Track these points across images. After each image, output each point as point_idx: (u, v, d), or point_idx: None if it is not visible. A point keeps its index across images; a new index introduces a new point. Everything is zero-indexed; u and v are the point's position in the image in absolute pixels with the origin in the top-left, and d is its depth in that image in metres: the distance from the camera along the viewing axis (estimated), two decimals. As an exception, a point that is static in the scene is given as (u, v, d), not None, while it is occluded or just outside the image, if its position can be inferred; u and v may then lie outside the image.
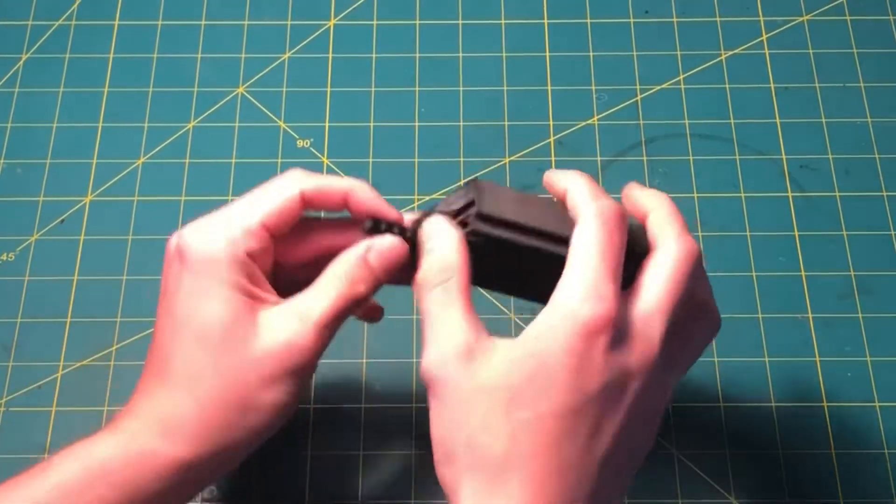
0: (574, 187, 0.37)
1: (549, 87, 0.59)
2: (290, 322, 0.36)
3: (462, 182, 0.56)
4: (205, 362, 0.36)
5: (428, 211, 0.38)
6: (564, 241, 0.35)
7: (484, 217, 0.36)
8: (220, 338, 0.36)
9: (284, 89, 0.59)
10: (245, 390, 0.35)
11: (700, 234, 0.54)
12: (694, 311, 0.37)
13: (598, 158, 0.57)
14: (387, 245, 0.38)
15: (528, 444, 0.32)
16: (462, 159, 0.56)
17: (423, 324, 0.36)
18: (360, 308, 0.39)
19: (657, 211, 0.37)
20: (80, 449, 0.36)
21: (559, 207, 0.37)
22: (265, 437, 0.37)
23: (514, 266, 0.37)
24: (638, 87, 0.59)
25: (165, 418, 0.36)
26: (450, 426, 0.34)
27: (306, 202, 0.38)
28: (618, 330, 0.33)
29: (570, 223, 0.36)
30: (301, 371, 0.36)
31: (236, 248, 0.36)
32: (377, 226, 0.38)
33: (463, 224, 0.37)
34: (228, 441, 0.36)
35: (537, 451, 0.32)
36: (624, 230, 0.35)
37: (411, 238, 0.38)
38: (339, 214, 0.40)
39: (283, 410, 0.36)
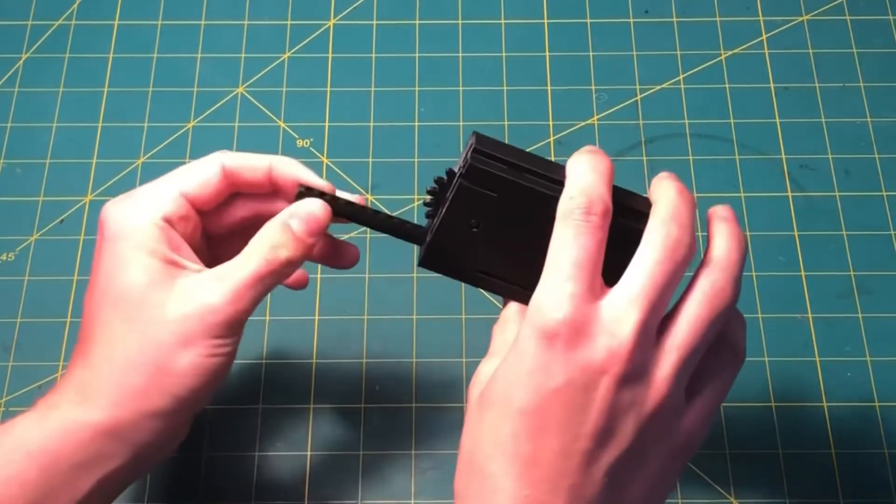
0: (663, 202, 0.35)
1: (549, 87, 0.59)
2: (207, 284, 0.37)
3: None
4: (121, 327, 0.36)
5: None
6: (560, 183, 0.35)
7: (481, 153, 0.36)
8: (136, 302, 0.36)
9: (284, 89, 0.59)
10: (161, 352, 0.36)
11: (700, 234, 0.54)
12: (714, 344, 0.36)
13: (598, 158, 0.57)
14: (308, 209, 0.38)
15: (495, 440, 0.33)
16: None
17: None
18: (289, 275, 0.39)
19: (658, 203, 0.35)
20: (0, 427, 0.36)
21: (557, 166, 0.37)
22: (192, 403, 0.37)
23: (506, 224, 0.37)
24: (638, 87, 0.59)
25: (83, 386, 0.36)
26: (464, 464, 0.36)
27: (230, 177, 0.39)
28: (577, 328, 0.32)
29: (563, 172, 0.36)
30: (218, 332, 0.36)
31: (153, 215, 0.37)
32: (309, 192, 0.39)
33: (462, 170, 0.37)
34: (148, 405, 0.36)
35: (504, 446, 0.33)
36: (673, 257, 0.34)
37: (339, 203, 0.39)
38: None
39: (204, 373, 0.36)
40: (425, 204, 0.38)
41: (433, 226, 0.38)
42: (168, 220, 0.38)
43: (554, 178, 0.36)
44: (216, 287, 0.36)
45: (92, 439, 0.36)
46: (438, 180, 0.38)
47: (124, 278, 0.36)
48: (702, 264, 0.35)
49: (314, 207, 0.38)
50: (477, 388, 0.36)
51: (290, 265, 0.38)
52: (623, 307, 0.33)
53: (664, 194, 0.35)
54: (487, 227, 0.37)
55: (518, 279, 0.38)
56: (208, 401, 0.40)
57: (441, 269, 0.39)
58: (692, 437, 0.35)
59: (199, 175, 0.39)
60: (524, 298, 0.36)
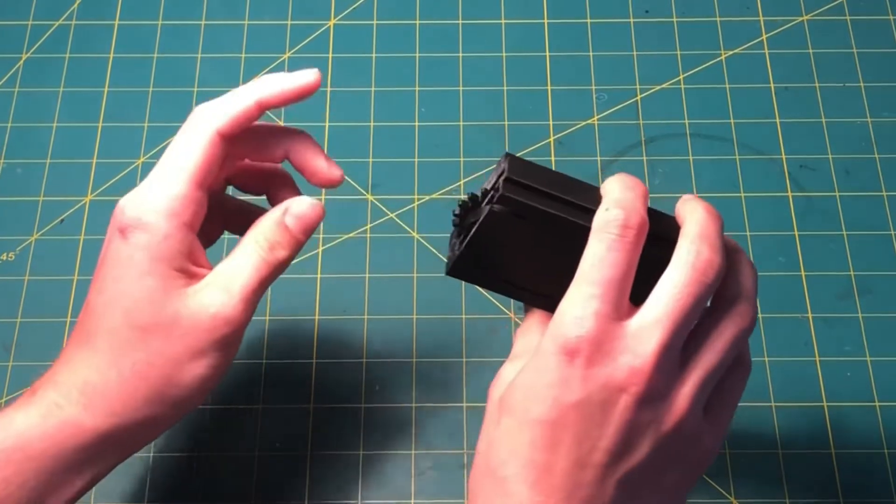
0: (691, 222, 0.35)
1: (549, 87, 0.59)
2: (216, 295, 0.36)
3: (461, 183, 0.56)
4: (131, 336, 0.36)
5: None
6: (593, 211, 0.35)
7: (512, 182, 0.36)
8: (149, 313, 0.36)
9: (284, 89, 0.59)
10: (171, 365, 0.36)
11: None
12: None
13: (598, 158, 0.57)
14: (304, 207, 0.38)
15: (511, 446, 0.33)
16: (462, 159, 0.56)
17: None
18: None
19: (687, 223, 0.35)
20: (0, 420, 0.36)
21: (589, 188, 0.37)
22: (187, 412, 0.38)
23: (536, 246, 0.37)
24: (638, 86, 0.59)
25: (88, 389, 0.36)
26: (477, 465, 0.36)
27: (225, 137, 0.38)
28: (599, 346, 0.32)
29: (598, 199, 0.36)
30: (226, 342, 0.37)
31: (176, 223, 0.37)
32: None
33: (494, 195, 0.36)
34: (149, 414, 0.36)
35: (521, 453, 0.33)
36: (701, 277, 0.33)
37: None
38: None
39: (206, 384, 0.37)
40: (454, 214, 0.38)
41: (462, 242, 0.38)
42: (186, 225, 0.37)
43: (587, 207, 0.36)
44: (226, 299, 0.36)
45: (92, 444, 0.36)
46: (472, 198, 0.37)
47: (137, 286, 0.36)
48: (724, 288, 0.35)
49: (310, 208, 0.39)
50: (498, 390, 0.36)
51: (285, 263, 0.38)
52: (648, 327, 0.33)
53: (692, 214, 0.35)
54: (516, 245, 0.37)
55: (544, 290, 0.38)
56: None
57: (468, 278, 0.39)
58: (707, 454, 0.35)
59: (206, 158, 0.38)
60: (550, 307, 0.35)
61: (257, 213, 0.40)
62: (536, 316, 0.38)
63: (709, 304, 0.35)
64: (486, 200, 0.37)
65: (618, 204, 0.34)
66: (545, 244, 0.37)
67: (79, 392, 0.36)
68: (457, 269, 0.38)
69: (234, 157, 0.41)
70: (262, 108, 0.39)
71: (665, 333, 0.33)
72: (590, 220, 0.35)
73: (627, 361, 0.32)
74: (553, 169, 0.38)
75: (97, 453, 0.36)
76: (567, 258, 0.35)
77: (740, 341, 0.35)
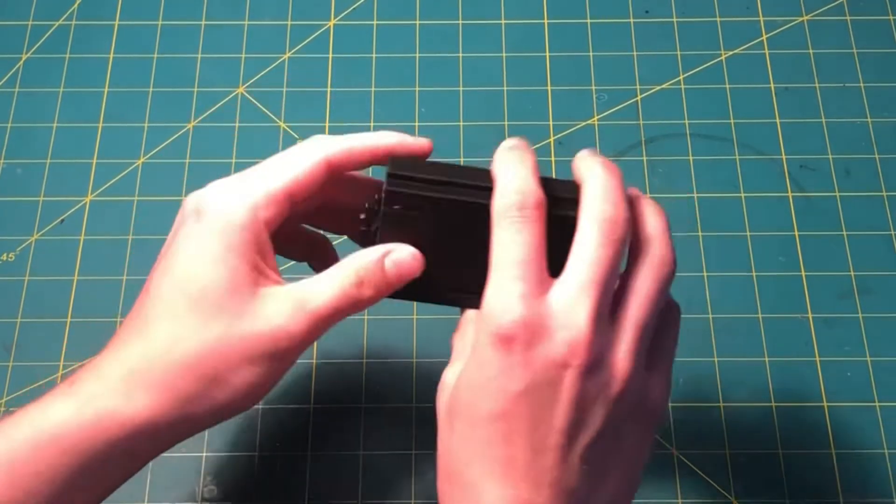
0: (591, 183, 0.35)
1: (549, 87, 0.59)
2: (286, 306, 0.35)
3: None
4: (191, 326, 0.35)
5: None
6: (489, 189, 0.35)
7: (397, 177, 0.36)
8: (215, 305, 0.35)
9: (284, 89, 0.59)
10: (222, 364, 0.35)
11: (700, 234, 0.54)
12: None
13: (598, 158, 0.57)
14: (406, 255, 0.37)
15: (470, 448, 0.33)
16: (462, 159, 0.56)
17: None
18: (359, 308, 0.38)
19: (586, 182, 0.35)
20: (34, 411, 0.35)
21: (479, 171, 0.36)
22: (224, 417, 0.36)
23: (442, 237, 0.37)
24: (638, 87, 0.59)
25: (132, 379, 0.35)
26: (438, 450, 0.35)
27: (332, 167, 0.37)
28: (532, 327, 0.32)
29: (490, 177, 0.35)
30: (282, 357, 0.35)
31: (256, 216, 0.36)
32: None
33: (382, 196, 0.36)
34: (189, 411, 0.35)
35: (481, 453, 0.33)
36: (610, 237, 0.33)
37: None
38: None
39: (250, 393, 0.35)
40: (361, 233, 0.38)
41: None
42: (268, 225, 0.36)
43: (481, 185, 0.36)
44: (296, 315, 0.35)
45: (126, 437, 0.34)
46: (368, 208, 0.37)
47: (209, 276, 0.35)
48: (635, 238, 0.35)
49: (411, 257, 0.37)
50: (444, 396, 0.35)
51: (365, 303, 0.37)
52: (574, 296, 0.32)
53: (590, 173, 0.35)
54: (426, 244, 0.37)
55: (469, 287, 0.37)
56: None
57: (405, 296, 0.38)
58: (658, 404, 0.35)
59: (306, 171, 0.37)
60: (477, 304, 0.35)
61: (325, 244, 0.41)
62: (469, 315, 0.37)
63: (625, 260, 0.35)
64: (378, 205, 0.37)
65: (511, 185, 0.34)
66: (451, 234, 0.37)
67: (123, 382, 0.35)
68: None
69: (327, 198, 0.40)
70: (373, 156, 0.38)
71: (592, 300, 0.32)
72: (485, 196, 0.35)
73: (563, 337, 0.32)
74: (442, 161, 0.37)
75: (130, 447, 0.35)
76: (476, 242, 0.35)
77: (664, 286, 0.34)
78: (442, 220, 0.36)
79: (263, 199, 0.36)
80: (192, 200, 0.37)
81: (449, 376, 0.36)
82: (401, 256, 0.37)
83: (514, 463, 0.33)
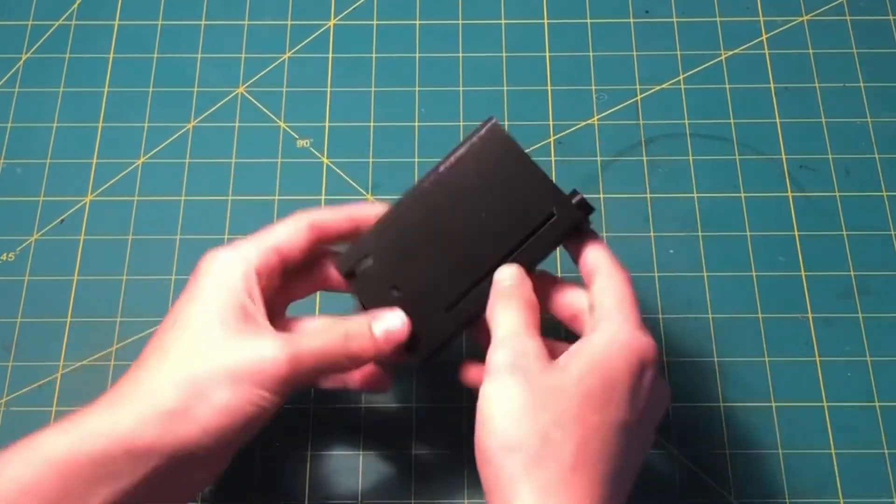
0: (595, 252, 0.41)
1: (549, 87, 0.59)
2: (271, 339, 0.39)
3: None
4: (178, 348, 0.38)
5: None
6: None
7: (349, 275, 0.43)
8: (201, 331, 0.38)
9: (284, 89, 0.59)
10: (205, 379, 0.37)
11: (700, 234, 0.54)
12: None
13: (598, 158, 0.57)
14: (395, 323, 0.41)
15: (596, 448, 0.36)
16: (462, 159, 0.56)
17: (492, 324, 0.40)
18: (356, 370, 0.43)
19: (599, 266, 0.41)
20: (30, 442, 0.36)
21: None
22: (213, 443, 0.37)
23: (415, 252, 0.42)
24: (638, 87, 0.59)
25: (117, 396, 0.37)
26: (521, 418, 0.36)
27: (315, 227, 0.42)
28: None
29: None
30: (267, 384, 0.38)
31: (247, 264, 0.40)
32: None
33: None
34: (172, 428, 0.36)
35: (603, 455, 0.36)
36: None
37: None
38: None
39: (237, 417, 0.37)
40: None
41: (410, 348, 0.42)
42: (257, 272, 0.40)
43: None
44: (279, 344, 0.38)
45: (108, 451, 0.35)
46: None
47: (197, 309, 0.39)
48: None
49: (399, 324, 0.41)
50: (535, 367, 0.37)
51: (353, 359, 0.40)
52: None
53: (597, 256, 0.41)
54: (405, 280, 0.42)
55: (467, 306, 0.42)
56: (227, 460, 0.40)
57: (440, 353, 0.43)
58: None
59: (290, 234, 0.42)
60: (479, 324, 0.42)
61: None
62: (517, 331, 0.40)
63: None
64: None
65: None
66: (420, 249, 0.42)
67: (108, 400, 0.37)
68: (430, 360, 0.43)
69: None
70: (352, 223, 0.43)
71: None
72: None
73: (664, 383, 0.40)
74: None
75: (115, 465, 0.35)
76: (440, 256, 0.42)
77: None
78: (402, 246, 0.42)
79: (254, 251, 0.41)
80: (203, 260, 0.41)
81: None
82: (391, 323, 0.41)
83: (616, 476, 0.37)
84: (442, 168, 0.42)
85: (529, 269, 0.42)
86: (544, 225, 0.41)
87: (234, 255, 0.41)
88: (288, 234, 0.42)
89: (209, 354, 0.38)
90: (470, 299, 0.42)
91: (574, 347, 0.38)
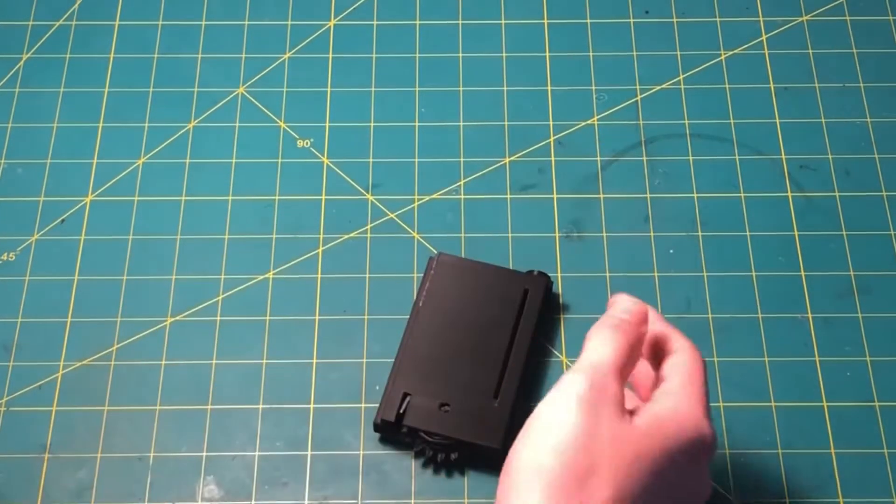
0: (667, 329, 0.41)
1: (549, 87, 0.59)
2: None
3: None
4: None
5: None
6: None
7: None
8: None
9: (284, 89, 0.59)
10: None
11: (700, 234, 0.54)
12: None
13: (598, 158, 0.57)
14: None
15: (635, 484, 0.35)
16: (462, 159, 0.57)
17: (585, 343, 0.39)
18: None
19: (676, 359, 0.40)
20: None
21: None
22: None
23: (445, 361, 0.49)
24: (638, 87, 0.59)
25: None
26: (565, 452, 0.35)
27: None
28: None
29: None
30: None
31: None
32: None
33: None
34: None
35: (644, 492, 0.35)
36: None
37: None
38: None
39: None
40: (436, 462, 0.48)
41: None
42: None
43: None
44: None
45: None
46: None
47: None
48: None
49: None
50: (614, 403, 0.37)
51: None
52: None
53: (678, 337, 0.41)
54: (449, 394, 0.47)
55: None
56: None
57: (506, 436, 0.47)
58: None
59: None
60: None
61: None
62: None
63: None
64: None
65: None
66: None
67: None
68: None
69: None
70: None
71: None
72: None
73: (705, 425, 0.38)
74: None
75: None
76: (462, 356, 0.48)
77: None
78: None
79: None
80: None
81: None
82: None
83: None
84: (420, 303, 0.50)
85: (532, 336, 0.49)
86: (525, 299, 0.50)
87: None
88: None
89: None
90: (509, 381, 0.48)
91: (643, 408, 0.37)
